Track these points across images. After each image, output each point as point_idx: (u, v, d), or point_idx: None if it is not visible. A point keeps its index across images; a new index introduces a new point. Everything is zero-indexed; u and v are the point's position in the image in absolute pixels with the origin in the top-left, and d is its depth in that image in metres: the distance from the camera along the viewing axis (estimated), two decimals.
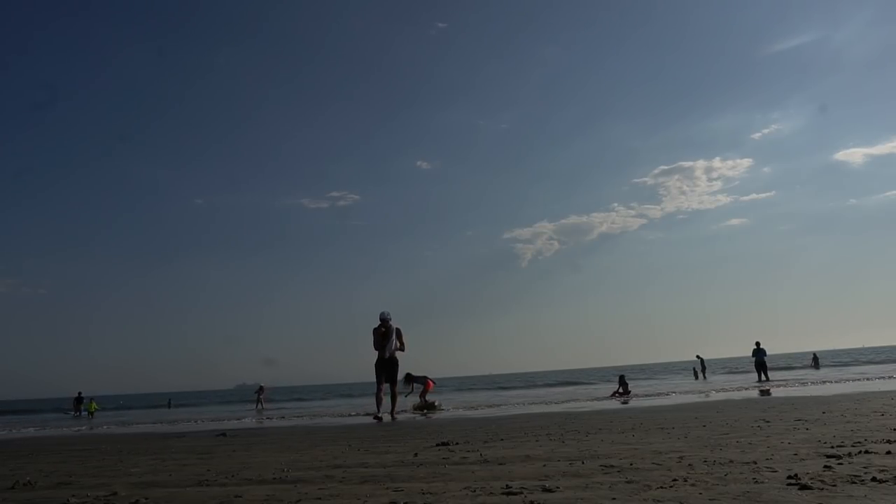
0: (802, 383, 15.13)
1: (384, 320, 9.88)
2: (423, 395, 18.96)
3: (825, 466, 2.22)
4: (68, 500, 2.25)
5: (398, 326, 9.99)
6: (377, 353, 9.82)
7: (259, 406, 22.58)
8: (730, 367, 39.80)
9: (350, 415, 11.91)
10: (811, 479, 1.97)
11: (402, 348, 10.00)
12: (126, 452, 4.75)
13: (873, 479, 1.93)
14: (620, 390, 17.95)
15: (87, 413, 26.21)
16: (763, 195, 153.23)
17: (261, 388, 24.43)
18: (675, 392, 14.63)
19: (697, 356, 30.47)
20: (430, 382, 18.54)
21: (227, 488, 2.42)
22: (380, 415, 9.31)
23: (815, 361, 34.05)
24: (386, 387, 9.70)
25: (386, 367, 9.77)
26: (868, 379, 15.07)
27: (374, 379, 9.89)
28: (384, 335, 9.82)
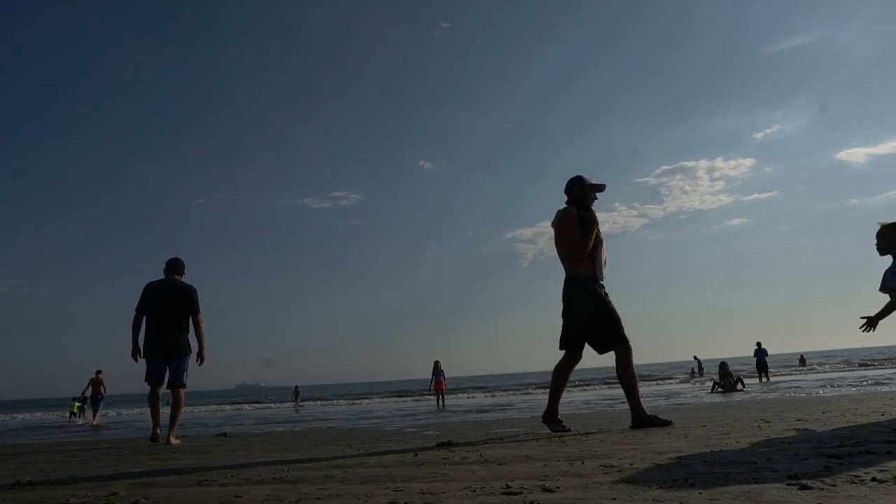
0: (802, 384, 15.10)
1: (593, 187, 4.53)
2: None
3: (825, 466, 2.22)
4: (68, 500, 2.25)
5: None
6: (582, 267, 4.38)
7: (297, 405, 23.46)
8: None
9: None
10: (811, 479, 1.97)
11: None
12: (126, 452, 4.75)
13: (873, 479, 1.93)
14: (721, 383, 14.43)
15: (86, 411, 26.49)
16: (765, 195, 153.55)
17: (296, 389, 25.42)
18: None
19: (694, 357, 31.52)
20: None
21: (227, 488, 2.42)
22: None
23: (802, 362, 35.90)
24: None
25: (602, 313, 4.33)
26: (868, 379, 15.05)
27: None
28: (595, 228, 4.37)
